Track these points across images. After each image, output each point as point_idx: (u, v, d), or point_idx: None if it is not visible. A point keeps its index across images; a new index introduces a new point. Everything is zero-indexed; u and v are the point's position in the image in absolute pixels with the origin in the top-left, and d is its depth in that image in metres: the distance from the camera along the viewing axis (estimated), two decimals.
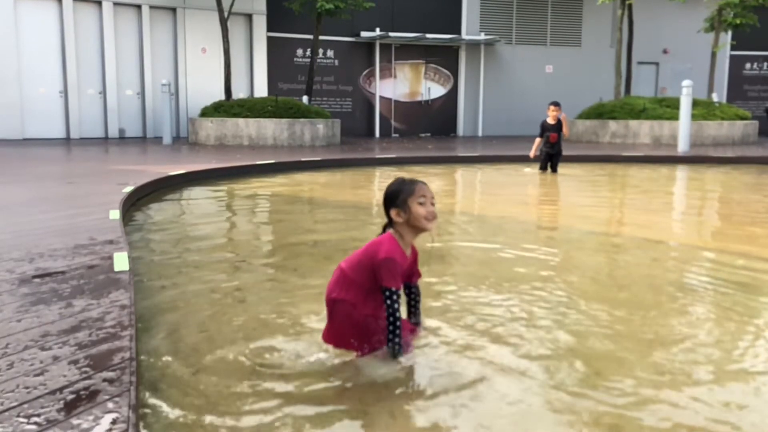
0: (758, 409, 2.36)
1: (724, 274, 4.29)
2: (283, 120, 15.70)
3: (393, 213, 2.60)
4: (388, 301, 2.50)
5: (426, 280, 3.82)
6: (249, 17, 19.22)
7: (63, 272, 3.44)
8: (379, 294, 2.55)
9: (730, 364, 2.77)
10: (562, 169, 10.68)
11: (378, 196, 7.71)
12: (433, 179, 9.79)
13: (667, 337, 3.08)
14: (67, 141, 16.52)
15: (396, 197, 2.60)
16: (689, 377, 2.60)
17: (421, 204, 2.57)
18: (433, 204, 2.61)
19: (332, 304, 2.64)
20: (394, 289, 2.49)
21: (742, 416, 2.30)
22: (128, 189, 6.76)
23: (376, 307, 2.59)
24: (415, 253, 2.74)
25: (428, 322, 3.04)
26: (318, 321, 3.15)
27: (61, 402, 1.97)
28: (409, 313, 2.87)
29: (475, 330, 3.03)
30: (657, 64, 24.32)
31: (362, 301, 2.59)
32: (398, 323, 2.51)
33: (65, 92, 17.20)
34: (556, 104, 10.53)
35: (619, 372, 2.64)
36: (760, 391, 2.51)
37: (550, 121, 10.48)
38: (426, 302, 3.17)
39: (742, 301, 3.63)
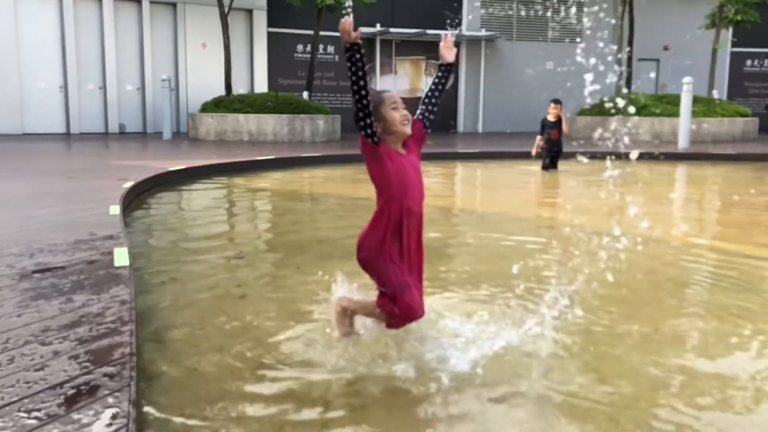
0: (757, 409, 2.37)
1: (726, 270, 4.29)
2: (284, 116, 15.68)
3: None
4: (348, 54, 2.54)
5: (425, 275, 3.83)
6: (249, 12, 19.20)
7: (63, 267, 3.45)
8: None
9: (732, 362, 2.77)
10: (562, 165, 10.68)
11: None
12: (433, 177, 9.79)
13: (667, 335, 3.08)
14: (67, 136, 16.51)
15: None
16: (690, 375, 2.61)
17: (393, 109, 2.57)
18: (404, 108, 2.60)
19: (362, 240, 2.72)
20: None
21: (742, 416, 2.31)
22: (128, 184, 6.77)
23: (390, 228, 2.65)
24: (413, 128, 2.67)
25: (428, 315, 3.03)
26: (318, 316, 3.16)
27: (62, 397, 1.97)
28: (440, 85, 2.81)
29: (475, 326, 3.03)
30: (657, 60, 24.26)
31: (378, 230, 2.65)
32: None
33: (65, 87, 17.19)
34: (557, 102, 10.53)
35: (619, 370, 2.65)
36: (761, 392, 2.51)
37: (551, 118, 10.48)
38: (425, 298, 3.15)
39: (743, 298, 3.63)
